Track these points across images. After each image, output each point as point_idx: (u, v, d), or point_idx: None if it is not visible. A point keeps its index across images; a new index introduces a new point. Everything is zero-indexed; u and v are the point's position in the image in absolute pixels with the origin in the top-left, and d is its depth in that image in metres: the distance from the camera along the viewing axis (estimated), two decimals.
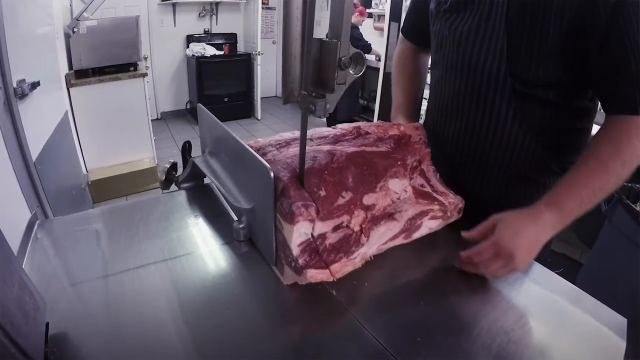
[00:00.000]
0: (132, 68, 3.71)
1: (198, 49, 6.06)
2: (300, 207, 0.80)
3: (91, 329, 0.77)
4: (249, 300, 0.86)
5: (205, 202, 1.21)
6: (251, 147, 0.93)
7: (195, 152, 1.31)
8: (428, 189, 1.02)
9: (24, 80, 1.97)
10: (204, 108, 1.21)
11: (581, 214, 0.90)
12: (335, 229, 0.84)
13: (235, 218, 1.06)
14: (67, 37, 3.51)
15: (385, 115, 4.86)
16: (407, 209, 0.95)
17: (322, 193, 0.82)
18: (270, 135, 0.96)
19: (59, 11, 3.49)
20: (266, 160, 0.83)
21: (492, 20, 0.99)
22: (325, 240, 0.83)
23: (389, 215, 0.92)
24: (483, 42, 1.01)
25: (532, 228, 0.87)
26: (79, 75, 3.44)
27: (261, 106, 6.69)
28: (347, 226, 0.86)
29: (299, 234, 0.81)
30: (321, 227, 0.82)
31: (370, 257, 0.88)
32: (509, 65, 0.98)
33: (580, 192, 0.89)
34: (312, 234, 0.83)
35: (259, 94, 6.55)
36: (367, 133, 1.02)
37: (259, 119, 6.68)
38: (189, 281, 0.90)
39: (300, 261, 0.80)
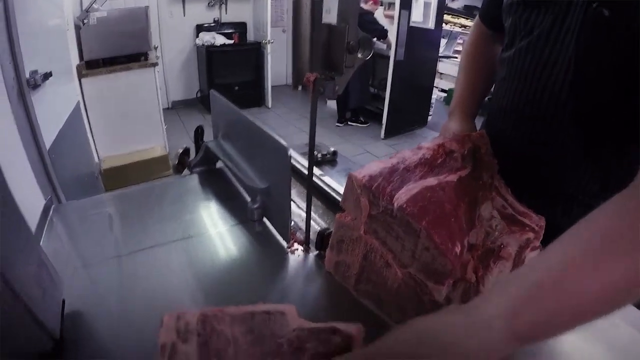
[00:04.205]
0: (142, 58, 3.72)
1: (208, 38, 6.06)
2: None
3: (105, 307, 0.79)
4: (263, 278, 0.88)
5: (217, 185, 1.22)
6: (359, 181, 0.77)
7: (208, 138, 1.32)
8: (510, 210, 0.86)
9: (36, 71, 2.00)
10: (217, 93, 1.22)
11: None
12: (454, 285, 0.69)
13: (249, 199, 1.08)
14: (77, 28, 3.53)
15: (395, 104, 4.84)
16: (507, 242, 0.77)
17: (457, 250, 0.66)
18: (280, 123, 0.94)
19: (69, 3, 3.51)
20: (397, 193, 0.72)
21: (567, 26, 0.87)
22: (452, 302, 0.69)
23: (493, 253, 0.75)
24: (552, 52, 0.90)
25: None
26: (90, 65, 3.46)
27: (272, 95, 6.70)
28: (463, 278, 0.69)
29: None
30: (446, 288, 0.68)
31: None
32: (574, 84, 0.87)
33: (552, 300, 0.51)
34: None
35: (269, 82, 6.55)
36: (452, 151, 0.87)
37: (270, 107, 6.68)
38: (202, 260, 0.91)
39: None
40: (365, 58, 0.76)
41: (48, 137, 1.97)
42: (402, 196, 0.70)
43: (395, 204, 0.69)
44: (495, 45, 1.19)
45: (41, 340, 0.63)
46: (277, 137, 0.87)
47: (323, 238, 0.91)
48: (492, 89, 1.17)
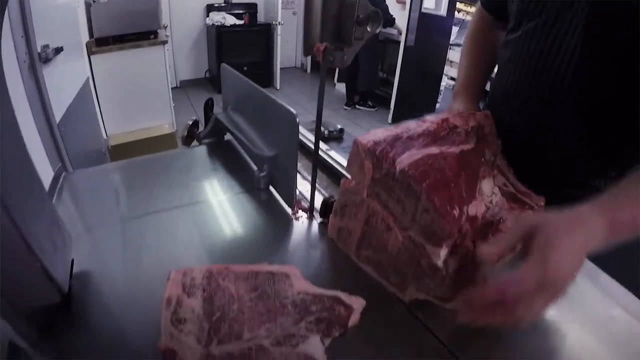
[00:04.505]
0: (152, 36, 3.72)
1: (218, 18, 6.03)
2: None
3: (113, 267, 0.81)
4: (267, 242, 0.90)
5: (225, 155, 1.24)
6: (364, 145, 0.79)
7: (217, 112, 1.34)
8: (511, 188, 0.87)
9: (47, 45, 2.02)
10: (228, 67, 1.23)
11: (632, 235, 0.68)
12: (453, 251, 0.70)
13: (256, 169, 1.10)
14: (88, 5, 3.52)
15: (404, 89, 4.82)
16: (506, 217, 0.79)
17: (456, 213, 0.68)
18: (288, 104, 0.94)
19: None
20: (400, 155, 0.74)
21: (574, 9, 0.86)
22: (448, 268, 0.70)
23: (492, 226, 0.77)
24: (557, 36, 0.90)
25: (580, 240, 0.63)
26: (100, 43, 3.46)
27: (280, 76, 6.68)
28: (462, 244, 0.70)
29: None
30: (444, 251, 0.69)
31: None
32: (578, 71, 0.87)
33: (636, 208, 0.68)
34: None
35: (278, 64, 6.54)
36: (455, 126, 0.87)
37: (278, 88, 6.67)
38: (208, 224, 0.94)
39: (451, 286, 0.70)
40: (374, 31, 0.78)
41: (58, 111, 2.00)
42: (405, 160, 0.72)
43: (398, 167, 0.71)
44: (496, 31, 1.20)
45: (50, 293, 0.65)
46: (286, 105, 0.89)
47: (327, 206, 0.93)
48: (495, 74, 1.17)
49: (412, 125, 0.86)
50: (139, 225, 0.92)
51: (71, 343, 0.66)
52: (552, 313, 0.75)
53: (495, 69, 1.19)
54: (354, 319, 0.67)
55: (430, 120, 0.88)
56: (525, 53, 0.98)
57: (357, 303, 0.68)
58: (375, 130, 0.82)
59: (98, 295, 0.75)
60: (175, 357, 0.57)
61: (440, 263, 0.68)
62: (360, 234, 0.83)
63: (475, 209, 0.74)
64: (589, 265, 0.84)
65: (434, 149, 0.78)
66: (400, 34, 5.28)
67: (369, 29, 0.77)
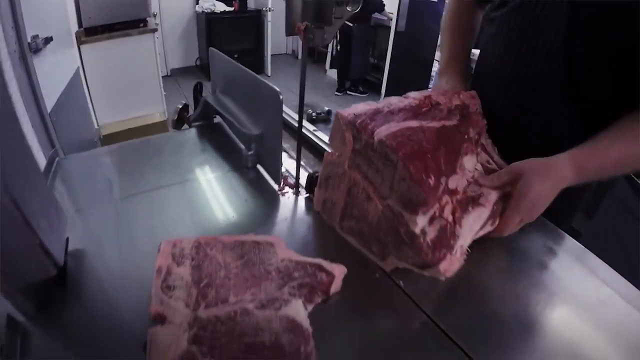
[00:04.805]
0: (141, 24, 3.70)
1: (208, 5, 6.00)
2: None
3: (106, 245, 0.84)
4: (254, 216, 0.94)
5: (215, 137, 1.27)
6: (345, 117, 0.82)
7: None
8: (494, 166, 0.92)
9: (37, 35, 2.03)
10: (216, 50, 1.26)
11: (599, 178, 0.91)
12: (431, 220, 0.73)
13: (244, 148, 1.13)
14: None
15: (395, 75, 4.81)
16: (488, 192, 0.84)
17: (431, 182, 0.72)
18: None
19: None
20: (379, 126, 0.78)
21: None
22: (427, 236, 0.73)
23: (473, 200, 0.82)
24: (544, 8, 0.94)
25: (553, 182, 0.84)
26: (89, 32, 3.45)
27: (271, 63, 6.68)
28: (441, 216, 0.74)
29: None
30: (422, 220, 0.72)
31: (468, 251, 0.79)
32: (566, 46, 0.92)
33: (604, 157, 0.86)
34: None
35: (269, 50, 6.52)
36: (438, 104, 0.91)
37: (269, 75, 6.66)
38: (197, 201, 0.98)
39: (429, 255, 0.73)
40: (353, 11, 0.81)
41: (49, 101, 2.01)
42: (383, 131, 0.75)
43: (376, 138, 0.74)
44: (476, 10, 1.23)
45: (47, 267, 0.68)
46: (270, 84, 0.92)
47: (312, 181, 0.97)
48: (477, 55, 1.20)
49: (393, 101, 0.89)
50: (131, 204, 0.95)
51: (67, 316, 0.69)
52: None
53: (478, 52, 1.21)
54: (336, 285, 0.71)
55: (412, 97, 0.92)
56: (512, 27, 1.00)
57: (338, 270, 0.72)
58: (356, 105, 0.85)
59: (92, 270, 0.78)
60: (165, 321, 0.61)
61: (417, 230, 0.71)
62: (343, 204, 0.86)
63: (456, 183, 0.78)
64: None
65: (413, 123, 0.81)
66: (391, 19, 5.27)
67: (348, 9, 0.80)
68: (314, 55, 7.37)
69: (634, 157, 0.86)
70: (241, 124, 1.09)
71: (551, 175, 0.84)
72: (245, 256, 0.72)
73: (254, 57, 6.48)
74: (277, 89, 0.88)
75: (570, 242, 0.92)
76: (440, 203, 0.73)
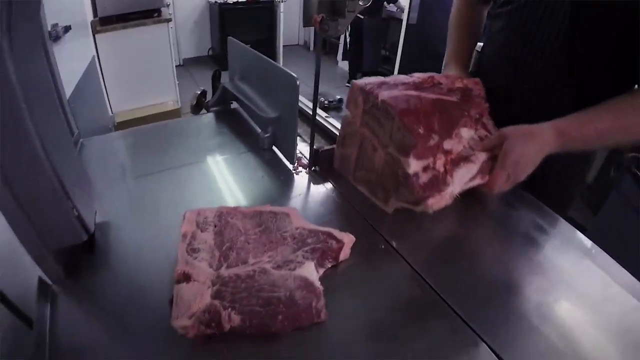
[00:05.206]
0: (155, 14, 3.76)
1: None
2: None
3: (131, 217, 0.91)
4: (271, 192, 1.01)
5: (232, 122, 1.33)
6: (357, 85, 0.99)
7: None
8: None
9: (57, 24, 2.10)
10: (234, 39, 1.32)
11: (583, 147, 0.99)
12: (425, 169, 0.89)
13: (260, 131, 1.19)
14: None
15: (406, 67, 4.80)
16: (479, 154, 0.97)
17: (421, 131, 0.88)
18: None
19: None
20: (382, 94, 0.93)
21: None
22: (419, 179, 0.88)
23: (465, 159, 0.95)
24: (548, 5, 1.00)
25: (536, 146, 0.92)
26: (104, 22, 3.51)
27: (283, 54, 6.70)
28: (434, 167, 0.90)
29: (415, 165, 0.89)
30: (415, 165, 0.88)
31: (457, 196, 0.93)
32: (569, 35, 0.98)
33: (587, 127, 0.93)
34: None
35: (281, 42, 6.52)
36: (440, 83, 1.05)
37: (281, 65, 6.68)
38: (217, 178, 1.05)
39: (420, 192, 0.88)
40: (365, 4, 0.91)
41: (67, 88, 2.08)
42: (385, 94, 0.93)
43: (379, 99, 0.92)
44: (479, 7, 1.32)
45: (78, 232, 0.73)
46: (287, 70, 0.99)
47: (318, 154, 1.08)
48: (481, 49, 1.28)
49: (400, 77, 1.05)
50: (154, 181, 1.02)
51: (95, 279, 0.75)
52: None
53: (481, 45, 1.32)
54: (345, 253, 0.77)
55: (417, 76, 1.06)
56: (519, 20, 1.07)
57: (348, 238, 0.78)
58: (368, 77, 1.02)
59: (118, 239, 0.85)
60: (190, 279, 0.67)
61: (410, 171, 0.87)
62: (355, 157, 1.01)
63: (451, 145, 0.94)
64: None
65: (413, 92, 0.98)
66: (402, 11, 5.28)
67: (361, 3, 0.90)
68: (325, 47, 7.39)
69: (619, 129, 0.93)
70: (259, 107, 1.16)
71: (534, 137, 0.93)
72: (263, 224, 0.79)
73: (266, 47, 6.49)
74: (295, 75, 0.95)
75: (559, 221, 0.99)
76: (434, 158, 0.90)
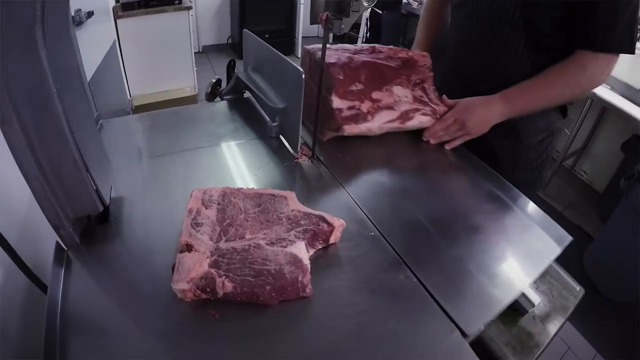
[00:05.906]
0: (176, 2, 3.83)
1: None
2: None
3: (143, 193, 0.98)
4: (273, 177, 1.08)
5: (243, 110, 1.40)
6: (305, 49, 1.29)
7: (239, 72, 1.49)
8: (425, 99, 1.27)
9: (80, 9, 2.18)
10: (249, 32, 1.39)
11: (527, 111, 1.23)
12: (350, 108, 1.17)
13: (269, 119, 1.26)
14: None
15: None
16: (404, 105, 1.23)
17: (340, 77, 1.18)
18: None
19: None
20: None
21: None
22: (342, 113, 1.16)
23: (389, 107, 1.22)
24: None
25: (483, 108, 1.20)
26: (126, 7, 3.58)
27: (302, 44, 6.72)
28: (359, 109, 1.18)
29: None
30: (338, 103, 1.17)
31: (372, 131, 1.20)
32: (523, 10, 1.17)
33: (528, 94, 1.20)
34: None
35: (300, 32, 6.55)
36: (380, 51, 1.29)
37: (299, 57, 6.72)
38: (226, 161, 1.12)
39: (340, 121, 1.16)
40: (370, 5, 0.99)
41: (88, 71, 2.16)
42: (319, 53, 1.17)
43: (315, 57, 1.22)
44: (445, 5, 1.50)
45: (95, 202, 0.81)
46: (294, 64, 1.05)
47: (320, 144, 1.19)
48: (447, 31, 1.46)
49: (345, 46, 1.32)
50: (167, 162, 1.09)
51: (107, 247, 0.83)
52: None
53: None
54: (335, 236, 0.84)
55: (361, 46, 1.32)
56: (474, 9, 1.27)
57: (338, 223, 0.84)
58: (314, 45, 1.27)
59: (130, 212, 0.92)
60: (192, 249, 0.75)
61: (334, 106, 1.16)
62: (308, 104, 1.13)
63: (380, 96, 1.22)
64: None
65: (347, 54, 1.26)
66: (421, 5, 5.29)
67: (365, 4, 0.97)
68: (344, 40, 7.40)
69: (550, 95, 1.20)
70: (268, 98, 1.23)
71: (482, 100, 1.21)
72: (262, 205, 0.86)
73: (285, 38, 6.53)
74: (301, 69, 1.01)
75: (512, 189, 1.11)
76: (360, 102, 1.19)
